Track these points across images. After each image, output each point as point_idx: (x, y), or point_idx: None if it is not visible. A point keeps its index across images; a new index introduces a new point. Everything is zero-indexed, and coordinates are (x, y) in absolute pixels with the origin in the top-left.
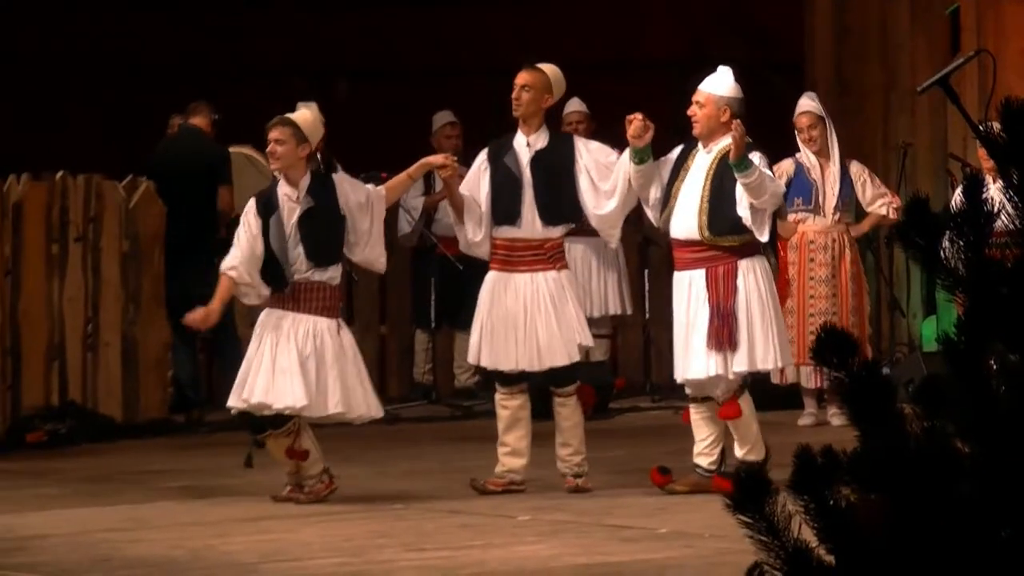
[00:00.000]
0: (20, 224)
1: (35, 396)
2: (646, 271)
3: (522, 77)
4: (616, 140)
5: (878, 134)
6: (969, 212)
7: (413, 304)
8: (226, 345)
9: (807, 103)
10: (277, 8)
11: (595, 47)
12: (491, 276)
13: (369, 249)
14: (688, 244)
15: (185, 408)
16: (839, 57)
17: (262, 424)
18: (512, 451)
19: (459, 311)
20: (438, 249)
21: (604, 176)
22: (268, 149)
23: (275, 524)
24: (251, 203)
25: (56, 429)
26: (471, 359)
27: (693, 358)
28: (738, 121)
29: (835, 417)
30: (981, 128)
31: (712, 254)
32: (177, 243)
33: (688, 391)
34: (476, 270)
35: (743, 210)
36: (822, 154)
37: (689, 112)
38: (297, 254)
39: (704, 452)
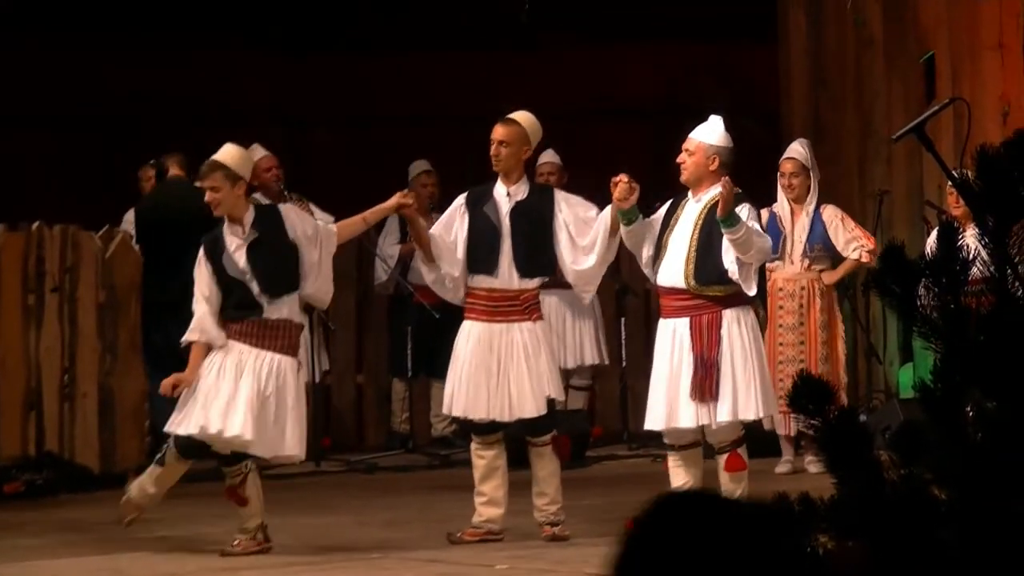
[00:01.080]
0: None
1: (12, 446)
2: (623, 320)
3: (498, 132)
4: (590, 191)
5: (854, 181)
6: (944, 259)
7: (390, 353)
8: None
9: (796, 149)
10: (253, 54)
11: (571, 94)
12: (466, 325)
13: (320, 282)
14: (674, 292)
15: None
16: (815, 105)
17: (202, 451)
18: (489, 500)
19: (436, 360)
20: (415, 298)
21: (583, 232)
22: (207, 198)
23: (254, 574)
24: (200, 252)
25: (33, 480)
26: (445, 409)
27: (679, 408)
28: (727, 178)
29: (812, 464)
30: (956, 175)
31: (697, 303)
32: (168, 295)
33: (666, 439)
34: (453, 319)
35: (730, 263)
36: (798, 201)
37: (679, 159)
38: (253, 288)
39: None
